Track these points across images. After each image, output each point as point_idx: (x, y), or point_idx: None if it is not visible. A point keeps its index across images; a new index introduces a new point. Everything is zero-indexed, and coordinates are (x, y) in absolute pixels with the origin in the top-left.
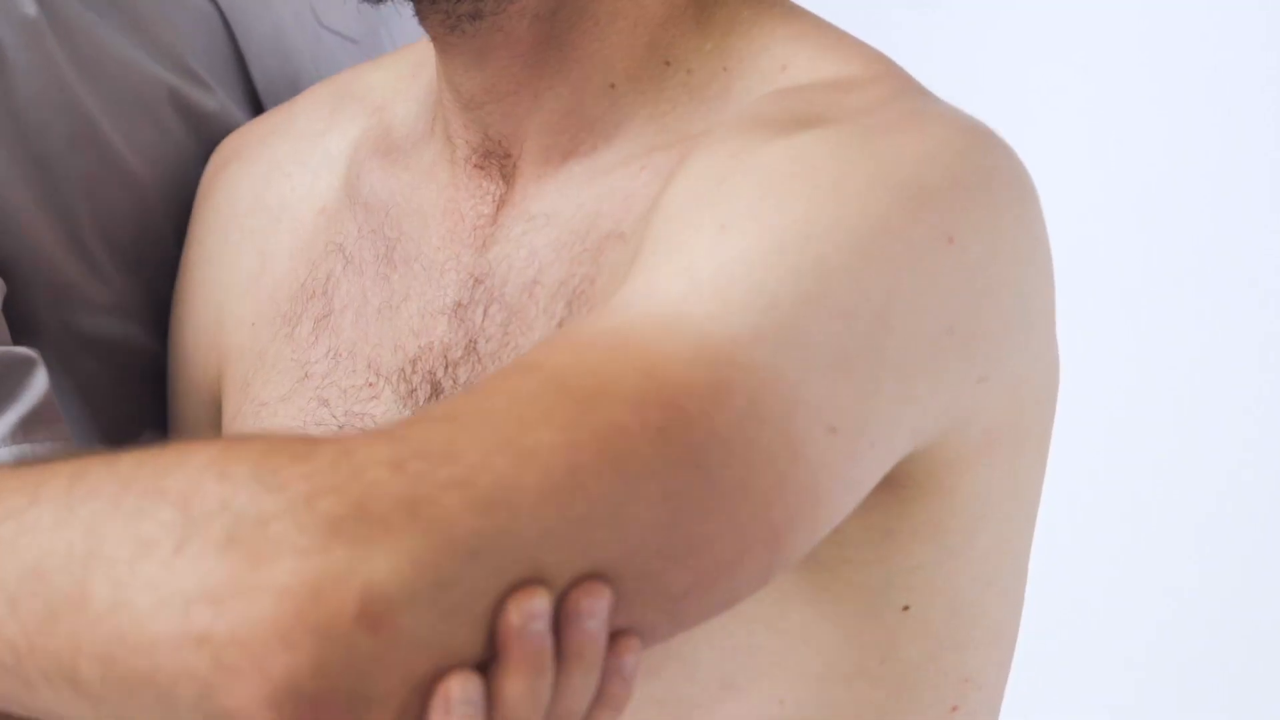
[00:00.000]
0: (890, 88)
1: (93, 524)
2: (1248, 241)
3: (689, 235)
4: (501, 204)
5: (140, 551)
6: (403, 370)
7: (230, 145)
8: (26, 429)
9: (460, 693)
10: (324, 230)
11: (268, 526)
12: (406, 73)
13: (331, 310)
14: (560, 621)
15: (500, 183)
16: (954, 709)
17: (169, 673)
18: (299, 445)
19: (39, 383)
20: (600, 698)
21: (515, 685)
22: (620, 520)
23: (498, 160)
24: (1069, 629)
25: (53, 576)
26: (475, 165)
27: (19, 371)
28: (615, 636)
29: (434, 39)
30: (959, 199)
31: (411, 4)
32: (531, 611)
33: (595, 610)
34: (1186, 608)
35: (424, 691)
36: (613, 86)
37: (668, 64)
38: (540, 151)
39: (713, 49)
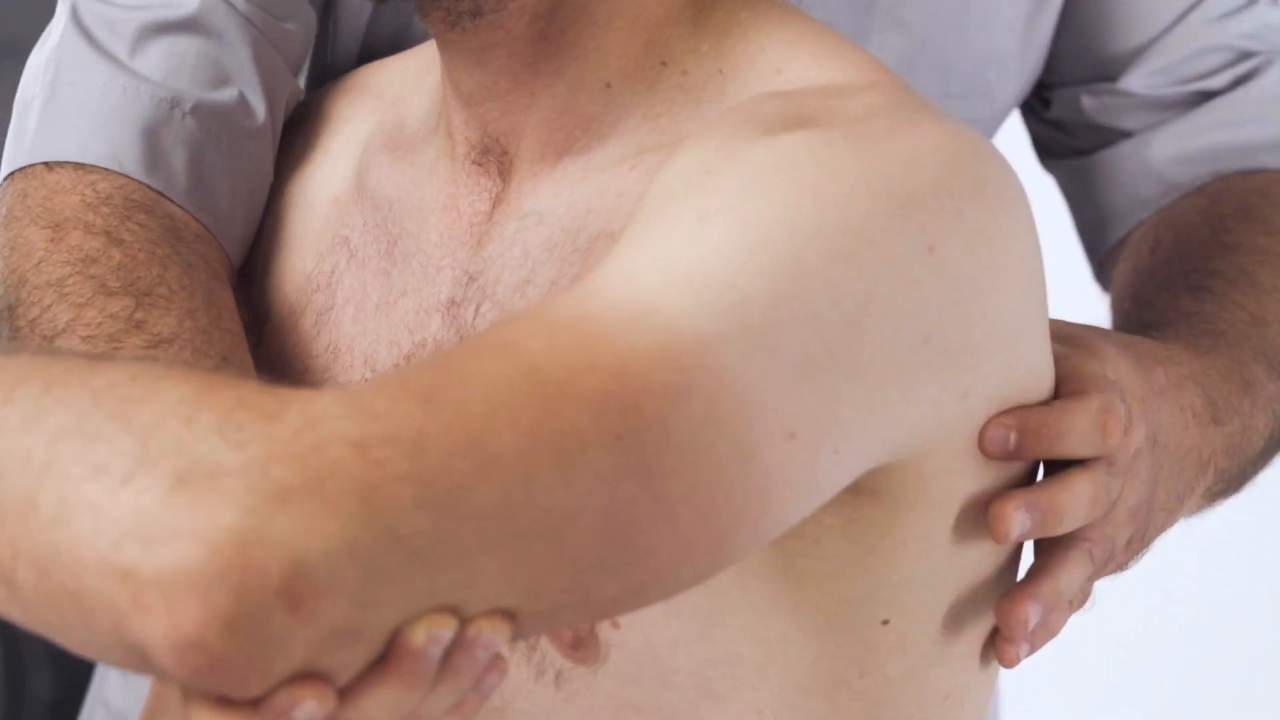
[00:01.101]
0: (885, 96)
1: (55, 437)
2: None
3: (668, 224)
4: (498, 201)
5: (91, 474)
6: (397, 366)
7: None
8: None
9: (313, 710)
10: (334, 221)
11: (219, 480)
12: (424, 67)
13: (334, 304)
14: (455, 641)
15: (498, 180)
16: None
17: (92, 597)
18: (270, 403)
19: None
20: (454, 708)
21: (385, 697)
22: (560, 535)
23: (495, 157)
24: (1068, 632)
25: (8, 479)
26: (474, 162)
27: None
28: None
29: (435, 36)
30: (944, 208)
31: (413, 0)
32: (438, 638)
33: (494, 645)
34: (1185, 609)
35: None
36: (609, 85)
37: (664, 64)
38: (536, 149)
39: (709, 50)
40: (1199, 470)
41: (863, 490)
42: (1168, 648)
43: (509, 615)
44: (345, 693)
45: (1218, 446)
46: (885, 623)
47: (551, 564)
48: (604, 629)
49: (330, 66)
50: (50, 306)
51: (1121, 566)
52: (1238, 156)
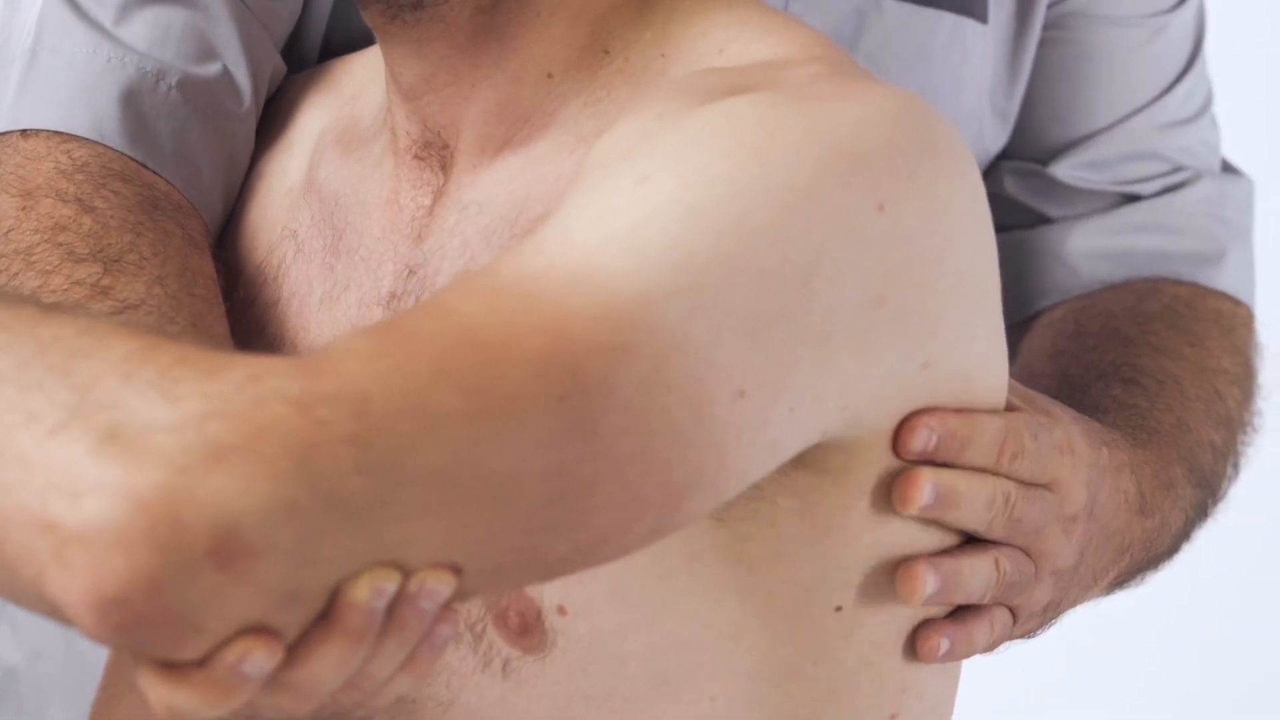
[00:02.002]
0: (829, 67)
1: None
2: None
3: (607, 186)
4: (439, 195)
5: (22, 423)
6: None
7: None
8: (161, 157)
9: (262, 662)
10: (285, 213)
11: (150, 435)
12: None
13: (280, 297)
14: (398, 594)
15: (439, 174)
16: (893, 716)
17: (14, 549)
18: (214, 360)
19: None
20: (406, 663)
21: (330, 654)
22: (505, 498)
23: (436, 151)
24: (1061, 633)
25: None
26: (415, 156)
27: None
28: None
29: (375, 28)
30: (893, 165)
31: None
32: (381, 591)
33: (438, 596)
34: (1180, 607)
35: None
36: (550, 76)
37: (607, 53)
38: (476, 142)
39: (652, 37)
40: (1118, 554)
41: (824, 470)
42: (1148, 649)
43: (454, 567)
44: (289, 653)
45: (1137, 536)
46: (838, 609)
47: (496, 526)
48: (551, 616)
49: (295, 52)
50: (17, 274)
51: (1031, 632)
52: (1153, 263)
